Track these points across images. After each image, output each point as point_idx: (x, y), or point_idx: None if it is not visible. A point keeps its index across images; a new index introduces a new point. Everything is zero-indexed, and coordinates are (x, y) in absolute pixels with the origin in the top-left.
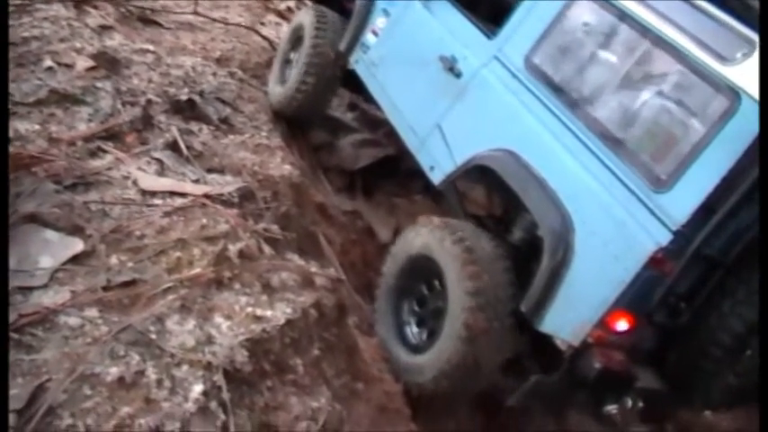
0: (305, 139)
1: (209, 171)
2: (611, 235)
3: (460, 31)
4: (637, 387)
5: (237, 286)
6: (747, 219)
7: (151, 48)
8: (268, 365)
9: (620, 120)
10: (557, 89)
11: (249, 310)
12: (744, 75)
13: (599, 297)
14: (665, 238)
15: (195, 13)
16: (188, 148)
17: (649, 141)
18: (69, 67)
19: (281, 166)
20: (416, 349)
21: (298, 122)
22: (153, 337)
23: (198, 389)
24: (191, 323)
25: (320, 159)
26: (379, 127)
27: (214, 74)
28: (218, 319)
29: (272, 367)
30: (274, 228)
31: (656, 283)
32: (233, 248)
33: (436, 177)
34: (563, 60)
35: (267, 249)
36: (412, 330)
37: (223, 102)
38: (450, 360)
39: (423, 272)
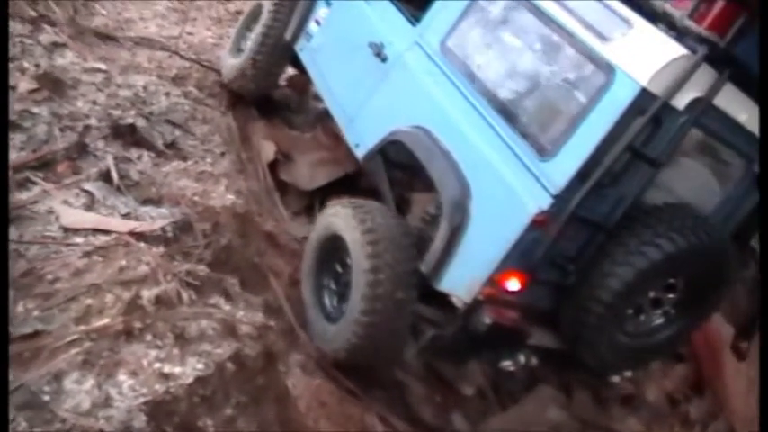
0: (260, 159)
1: (145, 202)
2: (502, 200)
3: (390, 19)
4: (530, 344)
5: (149, 338)
6: (627, 187)
7: (103, 66)
8: (171, 429)
9: (514, 96)
10: (464, 69)
11: (157, 365)
12: (618, 51)
13: (489, 257)
14: (546, 201)
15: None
16: (123, 177)
17: (538, 115)
18: (12, 89)
19: (225, 195)
20: (330, 318)
21: (243, 99)
22: (46, 398)
23: None
24: (90, 382)
25: (277, 177)
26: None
27: (167, 94)
28: (122, 376)
29: (177, 431)
30: (200, 268)
31: (540, 243)
32: (148, 294)
33: (360, 153)
34: (470, 43)
35: (188, 295)
36: (331, 302)
37: (173, 124)
38: (356, 332)
39: (334, 250)
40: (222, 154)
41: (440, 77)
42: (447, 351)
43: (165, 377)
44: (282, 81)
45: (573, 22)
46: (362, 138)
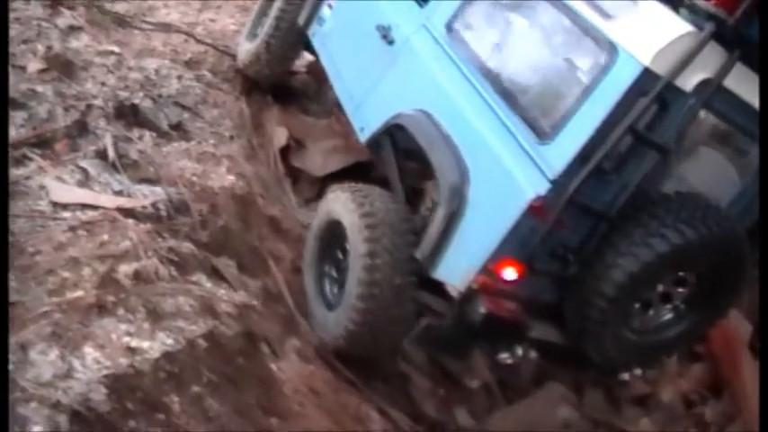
0: (272, 145)
1: (141, 181)
2: (499, 186)
3: (398, 2)
4: (529, 337)
5: (121, 312)
6: (632, 175)
7: (117, 50)
8: (133, 404)
9: (516, 77)
10: (468, 52)
11: (125, 339)
12: (622, 30)
13: (484, 244)
14: (543, 187)
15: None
16: (122, 156)
17: (539, 97)
18: (22, 68)
19: (225, 176)
20: (331, 306)
21: (259, 85)
22: (10, 368)
23: (37, 430)
24: (55, 353)
25: (289, 164)
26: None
27: (179, 77)
28: (88, 349)
29: (139, 406)
30: (186, 246)
31: (537, 231)
32: (126, 269)
33: (364, 136)
34: (475, 25)
35: (168, 271)
36: (331, 290)
37: (182, 106)
38: (353, 319)
39: (335, 237)
40: (231, 137)
41: (445, 60)
42: (443, 341)
43: (132, 351)
44: (302, 68)
45: (576, 1)
46: (367, 122)
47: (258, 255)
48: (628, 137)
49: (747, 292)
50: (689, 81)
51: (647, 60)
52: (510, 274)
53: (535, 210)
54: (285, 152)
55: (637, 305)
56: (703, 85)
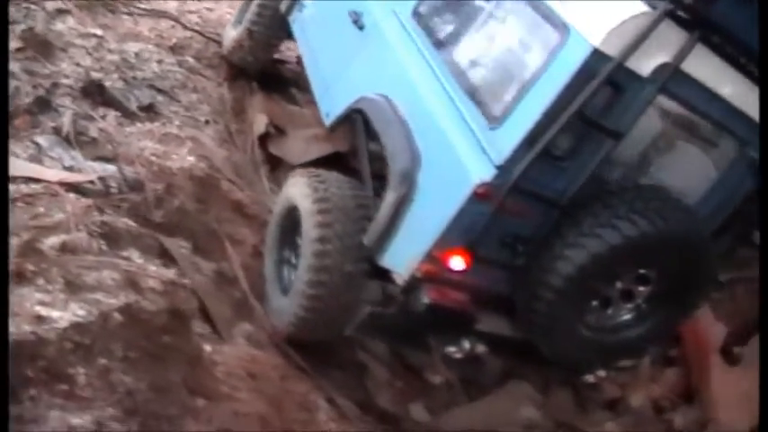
0: (252, 131)
1: (97, 159)
2: (449, 171)
3: None
4: (476, 330)
5: (40, 282)
6: (584, 160)
7: (100, 33)
8: (34, 372)
9: (472, 61)
10: (431, 37)
11: (37, 308)
12: (575, 9)
13: (429, 231)
14: (489, 173)
15: None
16: (81, 134)
17: (492, 80)
18: None
19: (186, 157)
20: (286, 292)
21: (244, 72)
22: None
23: None
24: None
25: (267, 151)
26: None
27: (160, 61)
28: None
29: (41, 374)
30: (123, 221)
31: (483, 218)
32: (54, 241)
33: (328, 121)
34: (439, 9)
35: (99, 245)
36: (289, 276)
37: (158, 89)
38: (302, 305)
39: (294, 222)
40: (207, 122)
41: (409, 45)
42: (390, 331)
43: (40, 320)
44: (293, 57)
45: None
46: (332, 107)
47: (216, 237)
48: (577, 122)
49: (726, 294)
50: (646, 65)
51: (596, 41)
52: (457, 263)
53: (480, 196)
54: (265, 139)
55: (594, 301)
56: (661, 69)
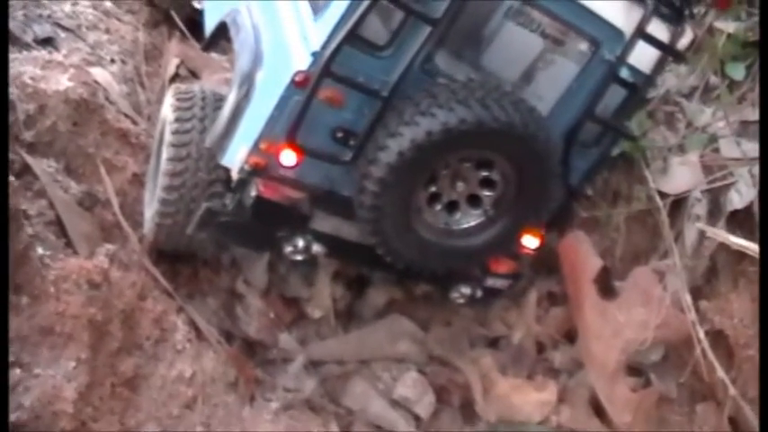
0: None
1: None
2: (279, 65)
3: None
4: (314, 230)
5: None
6: (404, 50)
7: None
8: None
9: None
10: None
11: None
12: None
13: (257, 124)
14: (306, 61)
15: None
16: None
17: None
18: None
19: (64, 82)
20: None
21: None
22: None
23: None
24: None
25: None
26: None
27: (74, 3)
28: None
29: None
30: None
31: (304, 107)
32: None
33: (204, 44)
34: None
35: None
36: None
37: (63, 27)
38: (159, 211)
39: (163, 135)
40: (112, 61)
41: None
42: (227, 228)
43: None
44: None
45: None
46: (210, 24)
47: (91, 161)
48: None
49: (607, 228)
50: None
51: None
52: (287, 157)
53: (298, 84)
54: (175, 81)
55: (423, 195)
56: None
